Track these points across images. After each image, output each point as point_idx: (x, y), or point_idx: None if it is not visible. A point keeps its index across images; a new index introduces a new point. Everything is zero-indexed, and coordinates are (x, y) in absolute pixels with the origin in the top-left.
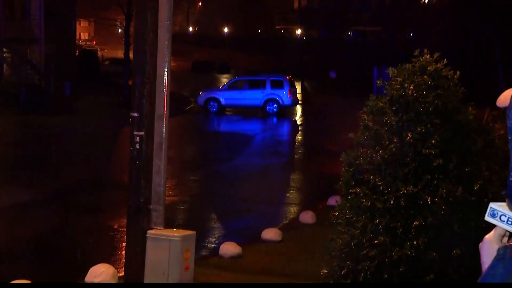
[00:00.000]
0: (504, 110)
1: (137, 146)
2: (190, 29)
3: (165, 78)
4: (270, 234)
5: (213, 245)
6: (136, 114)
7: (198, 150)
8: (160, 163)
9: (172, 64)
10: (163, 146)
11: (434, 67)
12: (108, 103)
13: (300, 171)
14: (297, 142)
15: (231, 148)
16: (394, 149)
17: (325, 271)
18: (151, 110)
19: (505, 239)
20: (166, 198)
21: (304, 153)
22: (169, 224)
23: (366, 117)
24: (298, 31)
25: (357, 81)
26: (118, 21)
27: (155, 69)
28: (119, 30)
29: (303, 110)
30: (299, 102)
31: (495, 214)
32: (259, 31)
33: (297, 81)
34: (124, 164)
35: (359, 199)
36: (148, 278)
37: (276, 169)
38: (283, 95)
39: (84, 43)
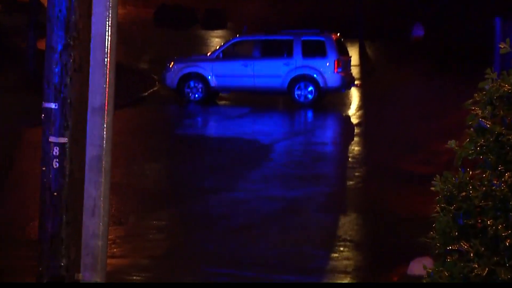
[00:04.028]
0: None
1: (55, 164)
2: None
3: (107, 38)
4: None
5: None
6: (53, 106)
7: (167, 171)
8: (96, 195)
9: (121, 12)
10: (103, 164)
11: None
12: (1, 85)
13: (357, 211)
14: (351, 157)
15: (229, 167)
16: None
17: None
18: (80, 98)
19: None
20: (109, 260)
21: (364, 177)
22: None
23: (479, 112)
24: None
25: (463, 43)
26: None
27: (89, 22)
28: None
29: (362, 97)
30: (356, 82)
31: None
32: None
33: (352, 43)
34: (30, 196)
35: (466, 263)
36: None
37: (313, 207)
38: (325, 69)
39: None
